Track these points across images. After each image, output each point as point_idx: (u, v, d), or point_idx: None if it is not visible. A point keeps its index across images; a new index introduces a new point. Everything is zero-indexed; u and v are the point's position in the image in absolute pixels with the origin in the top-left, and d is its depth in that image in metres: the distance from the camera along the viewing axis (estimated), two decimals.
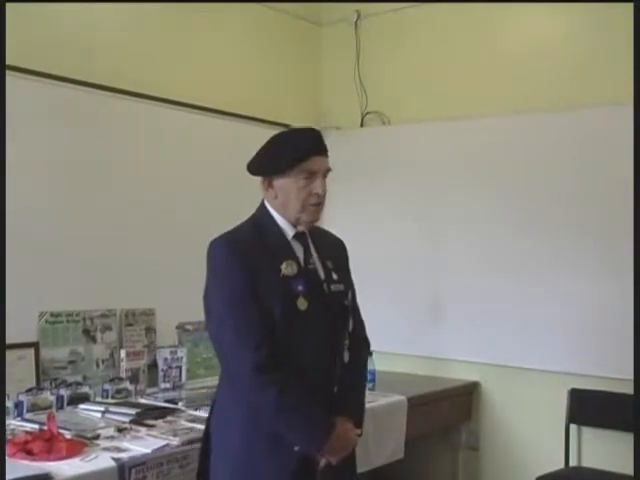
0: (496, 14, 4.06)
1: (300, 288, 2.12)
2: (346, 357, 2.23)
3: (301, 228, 2.22)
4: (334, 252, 2.32)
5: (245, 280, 2.08)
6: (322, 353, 2.15)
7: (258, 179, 2.27)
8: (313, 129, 2.25)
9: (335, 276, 2.25)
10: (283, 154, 2.16)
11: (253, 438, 2.10)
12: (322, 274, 2.22)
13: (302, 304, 2.11)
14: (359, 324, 2.36)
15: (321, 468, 2.14)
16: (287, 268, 2.13)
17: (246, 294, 2.08)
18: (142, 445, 2.52)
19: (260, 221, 2.23)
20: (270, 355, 2.05)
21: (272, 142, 2.24)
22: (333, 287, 2.23)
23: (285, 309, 2.10)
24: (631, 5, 3.12)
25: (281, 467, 2.09)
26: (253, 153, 2.32)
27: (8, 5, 2.59)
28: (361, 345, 2.34)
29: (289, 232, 2.21)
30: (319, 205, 2.19)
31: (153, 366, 3.50)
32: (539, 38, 3.94)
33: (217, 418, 2.23)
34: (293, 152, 2.15)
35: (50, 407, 2.92)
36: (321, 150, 2.19)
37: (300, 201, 2.16)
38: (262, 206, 2.26)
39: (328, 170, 2.21)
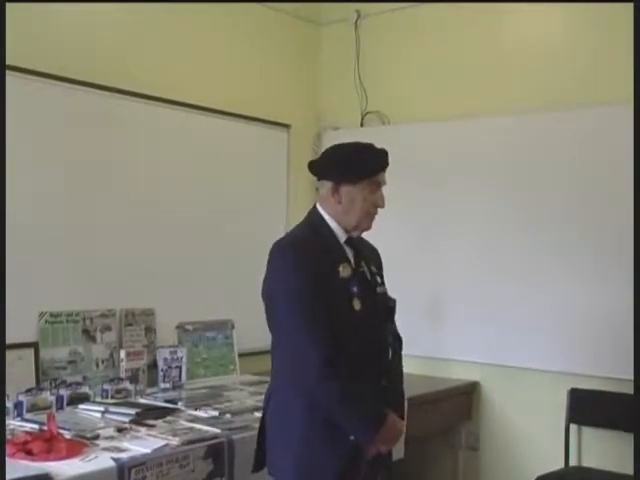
0: (496, 14, 4.06)
1: (355, 290, 2.28)
2: (390, 353, 2.39)
3: (355, 234, 2.38)
4: (373, 257, 2.49)
5: (311, 279, 2.21)
6: (372, 349, 2.30)
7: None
8: (383, 148, 2.41)
9: (379, 279, 2.44)
10: (359, 166, 2.32)
11: (311, 431, 2.24)
12: (369, 277, 2.38)
13: (357, 304, 2.27)
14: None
15: (370, 457, 2.27)
16: (344, 270, 2.29)
17: (313, 292, 2.20)
18: (142, 445, 2.52)
19: (315, 225, 2.37)
20: (336, 350, 2.18)
21: (344, 151, 2.38)
22: (379, 289, 2.41)
23: (343, 309, 2.25)
24: (631, 5, 3.12)
25: (338, 458, 2.23)
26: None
27: (8, 5, 2.59)
28: (396, 342, 2.46)
29: (341, 237, 2.36)
30: (375, 215, 2.38)
31: (153, 366, 3.50)
32: (539, 38, 3.93)
33: (275, 411, 2.34)
34: (370, 166, 2.34)
35: (50, 407, 2.92)
36: (387, 166, 2.41)
37: (364, 210, 2.33)
38: (315, 211, 2.40)
39: (385, 184, 2.41)
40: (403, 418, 2.42)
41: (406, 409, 3.51)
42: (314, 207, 2.41)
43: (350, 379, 2.20)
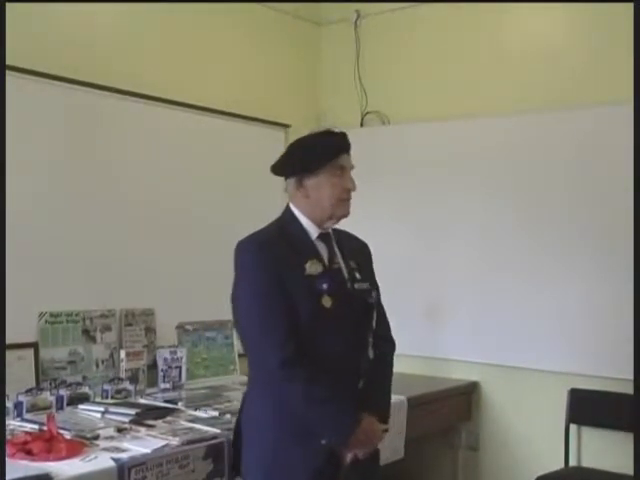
0: (496, 14, 4.06)
1: (325, 286, 2.19)
2: (371, 354, 2.30)
3: (327, 226, 2.31)
4: (358, 253, 2.40)
5: (272, 278, 2.15)
6: (347, 349, 2.22)
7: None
8: (341, 131, 2.33)
9: (358, 275, 2.32)
10: (314, 154, 2.25)
11: (281, 432, 2.17)
12: (346, 273, 2.29)
13: (327, 302, 2.19)
14: (384, 324, 2.43)
15: (347, 464, 2.19)
16: (311, 267, 2.21)
17: (273, 292, 2.15)
18: (142, 445, 2.52)
19: (285, 223, 2.32)
20: (296, 350, 2.12)
21: (298, 145, 2.33)
22: (357, 285, 2.30)
23: (310, 307, 2.17)
24: (631, 5, 3.12)
25: (308, 461, 2.15)
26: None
27: (8, 5, 2.59)
28: (386, 345, 2.40)
29: (313, 233, 2.29)
30: (349, 199, 2.30)
31: (153, 366, 3.50)
32: (539, 38, 3.93)
33: (247, 414, 2.30)
34: (325, 151, 2.26)
35: (50, 407, 2.91)
36: (349, 148, 2.31)
37: (334, 197, 2.26)
38: (287, 209, 2.35)
39: (352, 167, 2.33)
40: (385, 421, 2.32)
41: (405, 410, 3.52)
42: (286, 206, 2.36)
43: (314, 380, 2.12)
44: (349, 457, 2.19)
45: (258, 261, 2.18)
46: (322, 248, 2.29)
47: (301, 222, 2.30)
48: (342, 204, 2.29)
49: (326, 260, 2.27)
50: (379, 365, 2.34)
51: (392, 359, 2.44)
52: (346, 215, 2.32)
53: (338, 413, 2.15)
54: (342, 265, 2.30)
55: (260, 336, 2.16)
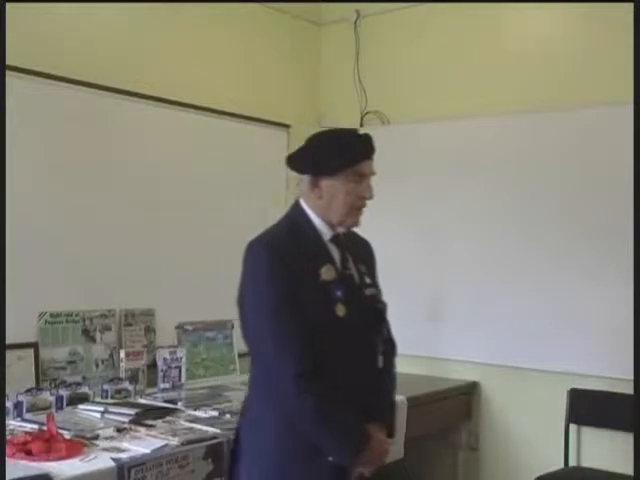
0: (496, 14, 4.06)
1: (339, 294, 2.08)
2: (380, 362, 2.22)
3: (340, 230, 2.19)
4: (365, 255, 2.30)
5: (286, 286, 2.03)
6: (358, 358, 2.12)
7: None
8: (366, 133, 2.20)
9: (368, 280, 2.23)
10: (336, 155, 2.12)
11: (287, 445, 2.07)
12: (357, 278, 2.19)
13: (340, 310, 2.08)
14: (387, 326, 2.33)
15: (355, 479, 2.11)
16: (326, 273, 2.09)
17: (289, 300, 2.03)
18: (141, 445, 2.52)
19: (296, 222, 2.18)
20: (312, 363, 2.01)
21: (319, 142, 2.19)
22: (367, 291, 2.20)
23: (324, 315, 2.06)
24: (631, 5, 3.12)
25: (315, 475, 2.07)
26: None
27: (8, 5, 2.59)
28: (387, 346, 2.30)
29: (326, 234, 2.17)
30: (362, 208, 2.17)
31: (152, 366, 3.50)
32: (539, 38, 3.93)
33: (249, 422, 2.19)
34: (346, 155, 2.11)
35: (49, 407, 2.91)
36: (372, 153, 2.17)
37: (347, 204, 2.13)
38: (297, 206, 2.21)
39: (373, 174, 2.18)
40: (392, 435, 2.22)
41: (405, 410, 3.52)
42: (296, 202, 2.21)
43: (329, 394, 2.02)
44: (356, 473, 2.11)
45: (273, 266, 2.04)
46: (334, 251, 2.17)
47: (314, 222, 2.16)
48: (353, 213, 2.15)
49: (339, 264, 2.15)
50: (386, 376, 2.26)
51: (395, 365, 2.35)
52: (355, 225, 2.20)
53: (346, 434, 2.06)
54: (353, 270, 2.19)
55: (273, 346, 2.02)
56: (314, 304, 2.05)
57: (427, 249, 4.20)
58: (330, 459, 2.05)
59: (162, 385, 3.47)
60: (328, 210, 2.14)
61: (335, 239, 2.18)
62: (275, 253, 2.06)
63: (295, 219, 2.19)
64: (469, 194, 4.07)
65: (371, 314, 2.20)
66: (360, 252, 2.27)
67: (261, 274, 2.07)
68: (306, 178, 2.16)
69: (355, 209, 2.16)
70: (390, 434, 2.22)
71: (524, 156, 3.91)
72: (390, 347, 2.32)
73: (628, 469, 3.09)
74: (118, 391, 3.22)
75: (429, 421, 3.80)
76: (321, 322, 2.05)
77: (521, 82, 3.95)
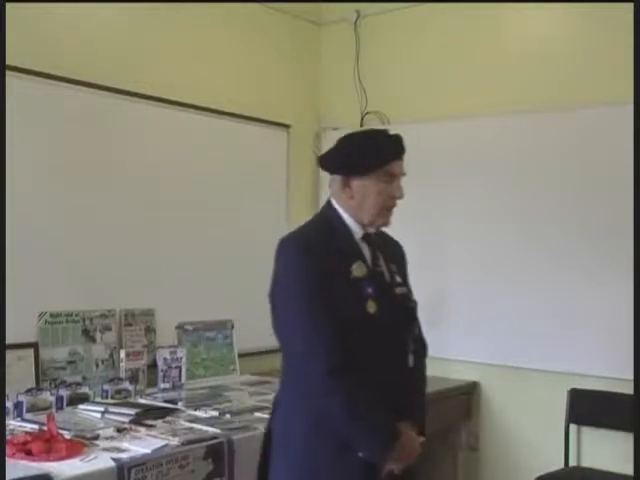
0: (496, 14, 4.06)
1: (370, 291, 2.10)
2: (411, 361, 2.22)
3: (371, 229, 2.21)
4: (395, 255, 2.32)
5: (318, 282, 2.04)
6: (389, 356, 2.12)
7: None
8: (396, 133, 2.23)
9: (399, 279, 2.24)
10: (367, 155, 2.14)
11: (317, 441, 2.07)
12: (388, 277, 2.20)
13: (371, 307, 2.09)
14: (418, 326, 2.34)
15: (384, 476, 2.10)
16: (357, 270, 2.11)
17: (320, 296, 2.04)
18: (142, 445, 2.52)
19: (328, 220, 2.20)
20: (343, 359, 2.00)
21: (350, 142, 2.21)
22: (398, 290, 2.22)
23: (355, 312, 2.07)
24: (631, 5, 3.12)
25: (345, 473, 2.06)
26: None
27: (8, 5, 2.59)
28: (418, 345, 2.31)
29: (358, 233, 2.19)
30: (393, 208, 2.20)
31: (153, 366, 3.50)
32: (539, 38, 3.93)
33: (279, 417, 2.19)
34: (377, 155, 2.14)
35: (50, 407, 2.92)
36: (402, 154, 2.20)
37: (378, 204, 2.16)
38: (329, 205, 2.23)
39: (403, 174, 2.21)
40: (423, 434, 2.22)
41: None
42: (328, 201, 2.24)
43: (360, 391, 2.01)
44: (386, 469, 2.09)
45: (305, 262, 2.06)
46: (365, 249, 2.18)
47: (346, 221, 2.18)
48: (384, 213, 2.18)
49: (369, 262, 2.16)
50: (417, 372, 2.27)
51: (425, 365, 2.36)
52: (386, 225, 2.23)
53: (376, 431, 2.04)
54: (384, 268, 2.20)
55: (304, 342, 2.02)
56: (345, 301, 2.06)
57: (427, 249, 4.19)
58: (360, 455, 2.04)
59: (162, 385, 3.47)
60: (359, 210, 2.17)
61: (366, 238, 2.21)
62: (306, 250, 2.08)
63: (327, 217, 2.22)
64: (469, 194, 4.07)
65: (402, 312, 2.21)
66: (391, 252, 2.29)
67: (292, 271, 2.09)
68: (337, 178, 2.19)
69: (386, 209, 2.19)
70: (421, 432, 2.21)
71: (524, 156, 3.91)
72: (421, 346, 2.33)
73: (628, 469, 3.09)
74: (118, 391, 3.22)
75: (429, 421, 3.75)
76: (352, 319, 2.05)
77: (521, 82, 3.95)
